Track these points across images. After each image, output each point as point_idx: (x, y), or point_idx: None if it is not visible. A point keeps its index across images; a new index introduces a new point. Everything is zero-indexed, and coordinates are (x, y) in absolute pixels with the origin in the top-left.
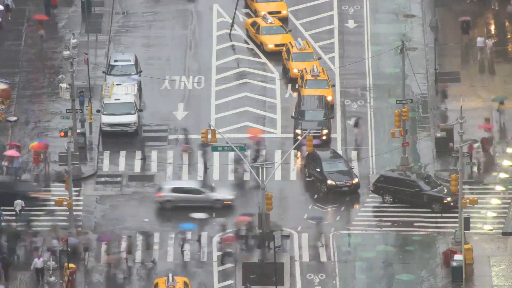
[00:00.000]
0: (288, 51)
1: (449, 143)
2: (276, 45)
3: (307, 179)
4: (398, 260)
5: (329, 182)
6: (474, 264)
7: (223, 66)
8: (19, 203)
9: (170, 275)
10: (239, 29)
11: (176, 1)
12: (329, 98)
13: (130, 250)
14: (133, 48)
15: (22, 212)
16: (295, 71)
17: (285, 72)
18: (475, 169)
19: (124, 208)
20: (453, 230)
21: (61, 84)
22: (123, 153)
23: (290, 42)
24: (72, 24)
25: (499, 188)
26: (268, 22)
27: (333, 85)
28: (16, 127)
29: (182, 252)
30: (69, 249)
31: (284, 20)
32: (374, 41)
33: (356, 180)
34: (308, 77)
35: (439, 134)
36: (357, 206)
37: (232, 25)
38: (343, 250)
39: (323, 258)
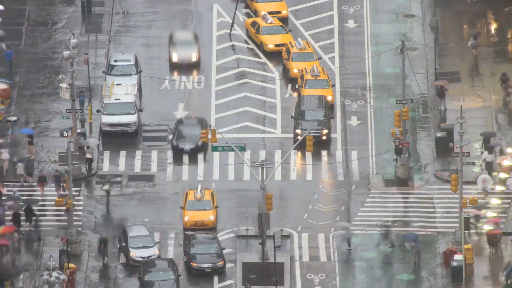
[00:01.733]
0: (288, 51)
1: (449, 143)
2: (276, 45)
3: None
4: (398, 260)
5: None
6: (474, 264)
7: (223, 66)
8: None
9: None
10: (239, 29)
11: (176, 1)
12: (329, 98)
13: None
14: (133, 48)
15: None
16: (295, 71)
17: (285, 72)
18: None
19: (124, 208)
20: (453, 230)
21: (61, 84)
22: (123, 153)
23: (290, 42)
24: (72, 24)
25: (499, 188)
26: (268, 22)
27: (333, 85)
28: (16, 127)
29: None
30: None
31: (284, 20)
32: (374, 41)
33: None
34: (308, 77)
35: (439, 134)
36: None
37: (232, 25)
38: (343, 250)
39: (323, 258)
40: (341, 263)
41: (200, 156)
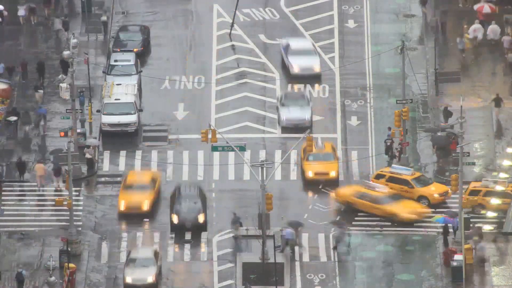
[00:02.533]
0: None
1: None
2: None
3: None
4: (398, 260)
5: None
6: (474, 264)
7: (223, 66)
8: None
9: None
10: (239, 29)
11: (176, 1)
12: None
13: None
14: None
15: None
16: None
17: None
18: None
19: None
20: (451, 230)
21: (61, 84)
22: (123, 153)
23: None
24: (72, 24)
25: (499, 188)
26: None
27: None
28: (17, 127)
29: None
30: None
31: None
32: (374, 41)
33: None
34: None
35: (439, 134)
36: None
37: (232, 25)
38: (343, 250)
39: (323, 258)
40: (341, 263)
41: (200, 156)
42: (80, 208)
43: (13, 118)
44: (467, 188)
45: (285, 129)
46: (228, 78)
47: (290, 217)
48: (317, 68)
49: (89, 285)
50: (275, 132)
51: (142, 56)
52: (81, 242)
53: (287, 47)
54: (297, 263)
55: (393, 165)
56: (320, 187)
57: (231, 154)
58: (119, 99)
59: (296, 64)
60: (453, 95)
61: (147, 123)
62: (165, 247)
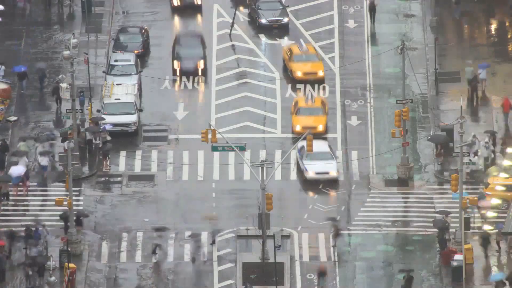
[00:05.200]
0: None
1: (449, 143)
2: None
3: None
4: (398, 260)
5: None
6: (474, 264)
7: (223, 66)
8: None
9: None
10: (239, 29)
11: None
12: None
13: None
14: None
15: None
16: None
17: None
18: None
19: (124, 208)
20: (453, 230)
21: (61, 84)
22: (123, 153)
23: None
24: (72, 24)
25: (499, 188)
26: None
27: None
28: (16, 127)
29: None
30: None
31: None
32: (374, 41)
33: None
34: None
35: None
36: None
37: (232, 25)
38: (343, 250)
39: (323, 258)
40: (341, 263)
41: (200, 156)
42: (80, 208)
43: (13, 118)
44: None
45: (285, 129)
46: (228, 78)
47: (290, 217)
48: (333, 173)
49: (89, 285)
50: (275, 132)
51: (142, 56)
52: (81, 242)
53: (301, 149)
54: (297, 263)
55: None
56: (320, 187)
57: (231, 154)
58: (119, 99)
59: (312, 170)
60: (453, 95)
61: (147, 123)
62: (165, 247)
